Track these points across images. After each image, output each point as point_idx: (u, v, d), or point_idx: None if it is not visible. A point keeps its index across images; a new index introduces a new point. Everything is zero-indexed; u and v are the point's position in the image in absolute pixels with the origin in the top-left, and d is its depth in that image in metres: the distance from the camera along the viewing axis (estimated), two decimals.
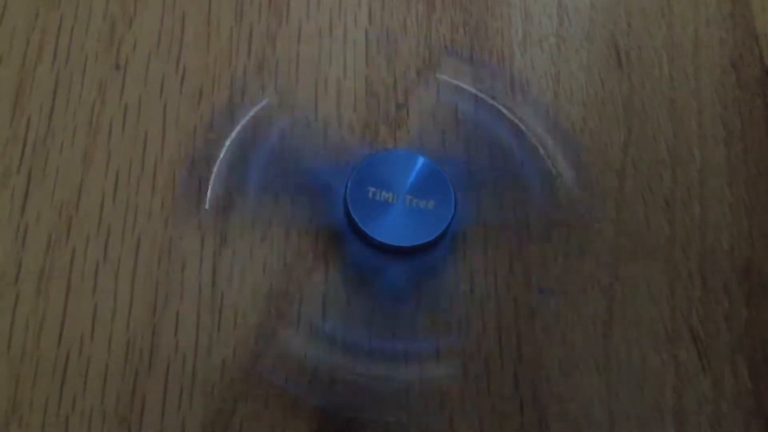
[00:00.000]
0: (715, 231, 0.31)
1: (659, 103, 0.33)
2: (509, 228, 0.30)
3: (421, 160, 0.29)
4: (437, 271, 0.29)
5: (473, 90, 0.32)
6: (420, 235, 0.28)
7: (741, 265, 0.30)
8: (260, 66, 0.32)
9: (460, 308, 0.29)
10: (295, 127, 0.31)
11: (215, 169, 0.30)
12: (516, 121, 0.32)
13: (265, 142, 0.30)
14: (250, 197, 0.29)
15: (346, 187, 0.28)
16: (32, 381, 0.27)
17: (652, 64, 0.33)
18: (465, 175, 0.30)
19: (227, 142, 0.30)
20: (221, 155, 0.30)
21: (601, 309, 0.29)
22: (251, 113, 0.31)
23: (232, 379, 0.27)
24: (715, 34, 0.34)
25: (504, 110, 0.32)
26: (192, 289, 0.28)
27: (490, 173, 0.31)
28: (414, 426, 0.27)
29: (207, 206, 0.29)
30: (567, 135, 0.32)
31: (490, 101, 0.32)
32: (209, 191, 0.29)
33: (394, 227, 0.28)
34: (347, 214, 0.28)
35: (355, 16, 0.33)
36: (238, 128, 0.30)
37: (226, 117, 0.30)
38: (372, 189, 0.29)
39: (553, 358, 0.28)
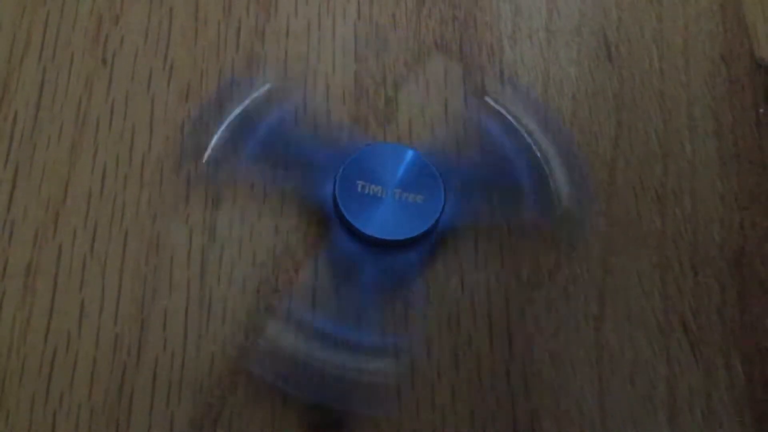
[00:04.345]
0: (706, 223, 0.31)
1: (649, 96, 0.33)
2: (499, 221, 0.30)
3: (410, 154, 0.29)
4: (427, 266, 0.29)
5: (463, 84, 0.32)
6: (409, 228, 0.28)
7: (732, 257, 0.30)
8: (248, 61, 0.31)
9: (450, 302, 0.29)
10: (284, 121, 0.30)
11: (203, 164, 0.30)
12: (506, 115, 0.31)
13: (254, 137, 0.30)
14: (239, 192, 0.29)
15: (335, 180, 0.28)
16: (19, 377, 0.26)
17: (642, 57, 0.33)
18: (454, 168, 0.30)
19: (215, 137, 0.30)
20: (209, 150, 0.30)
21: (593, 302, 0.29)
22: (240, 108, 0.30)
23: (221, 375, 0.27)
24: (705, 27, 0.34)
25: (494, 104, 0.32)
26: (180, 284, 0.28)
27: (479, 167, 0.31)
28: (405, 421, 0.27)
29: (195, 200, 0.29)
30: (557, 128, 0.32)
31: (480, 95, 0.32)
32: (197, 186, 0.29)
33: (383, 221, 0.28)
34: (336, 207, 0.28)
35: (343, 10, 0.33)
36: (226, 123, 0.30)
37: (215, 112, 0.30)
38: (361, 182, 0.28)
39: (545, 352, 0.28)
